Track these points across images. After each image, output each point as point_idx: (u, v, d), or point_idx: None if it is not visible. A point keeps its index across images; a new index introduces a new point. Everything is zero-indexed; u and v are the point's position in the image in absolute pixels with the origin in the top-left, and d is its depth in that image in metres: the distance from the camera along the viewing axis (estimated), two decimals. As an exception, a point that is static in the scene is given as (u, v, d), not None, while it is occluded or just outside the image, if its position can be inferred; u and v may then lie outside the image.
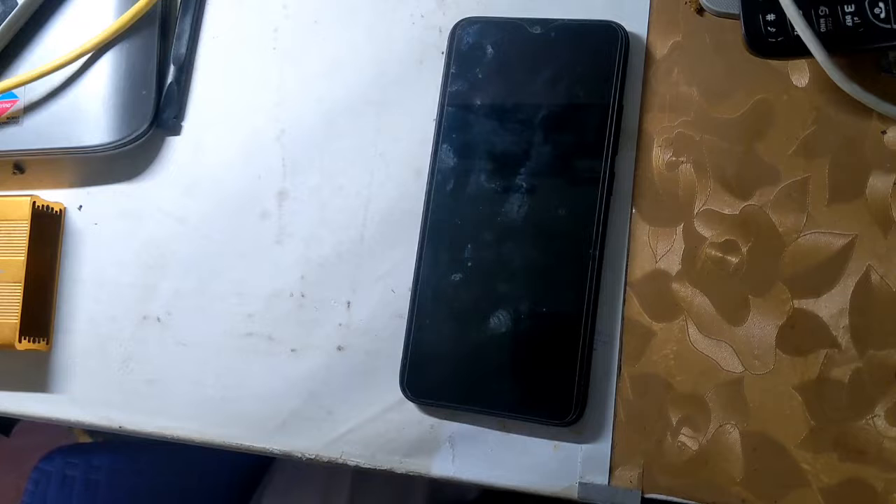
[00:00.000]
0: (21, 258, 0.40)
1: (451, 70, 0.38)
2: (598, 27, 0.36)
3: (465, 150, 0.37)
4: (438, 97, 0.38)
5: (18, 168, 0.44)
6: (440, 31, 0.39)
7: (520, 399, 0.35)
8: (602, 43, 0.36)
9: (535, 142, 0.36)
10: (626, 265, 0.35)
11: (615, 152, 0.35)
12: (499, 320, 0.35)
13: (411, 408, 0.37)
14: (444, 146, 0.37)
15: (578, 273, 0.35)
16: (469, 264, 0.36)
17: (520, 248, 0.35)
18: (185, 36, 0.42)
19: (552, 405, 0.34)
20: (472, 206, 0.36)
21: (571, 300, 0.35)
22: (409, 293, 0.37)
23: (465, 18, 0.38)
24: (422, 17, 0.40)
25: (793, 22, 0.30)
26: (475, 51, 0.37)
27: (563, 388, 0.34)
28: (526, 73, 0.36)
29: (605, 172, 0.35)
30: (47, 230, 0.42)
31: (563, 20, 0.37)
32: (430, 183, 0.37)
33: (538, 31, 0.37)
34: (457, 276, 0.36)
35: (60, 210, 0.43)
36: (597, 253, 0.35)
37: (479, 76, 0.37)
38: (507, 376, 0.35)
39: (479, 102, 0.37)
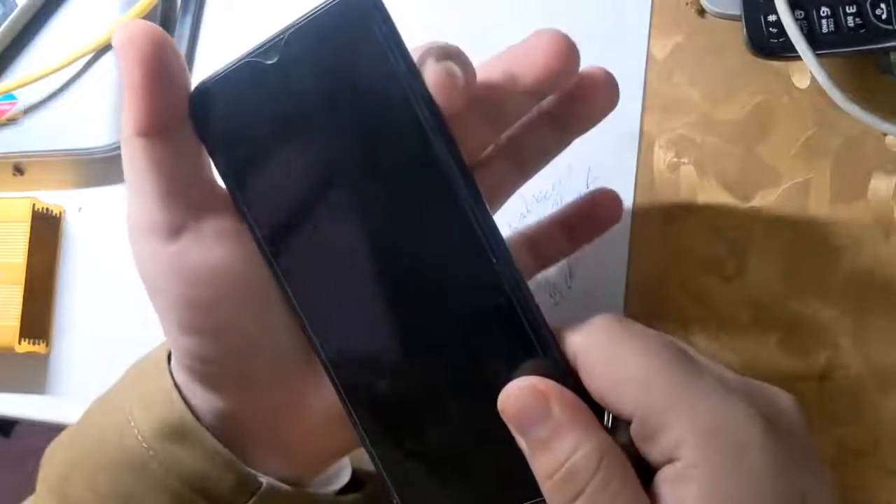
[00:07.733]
0: (21, 260, 0.40)
1: (212, 150, 0.28)
2: (335, 12, 0.26)
3: (283, 226, 0.27)
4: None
5: (18, 170, 0.44)
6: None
7: (529, 481, 0.25)
8: (354, 23, 0.26)
9: (356, 176, 0.26)
10: (627, 268, 0.35)
11: (450, 142, 0.25)
12: (460, 408, 0.27)
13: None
14: (265, 235, 0.27)
15: (508, 322, 0.25)
16: (385, 357, 0.27)
17: (429, 327, 0.26)
18: (185, 38, 0.42)
19: None
20: (343, 297, 0.27)
21: (520, 360, 0.26)
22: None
23: (195, 88, 0.27)
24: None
25: (792, 39, 0.30)
26: (225, 115, 0.27)
27: None
28: (298, 106, 0.27)
29: (455, 180, 0.25)
30: (47, 232, 0.42)
31: (292, 29, 0.26)
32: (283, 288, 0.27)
33: (276, 60, 0.26)
34: (381, 383, 0.27)
35: (60, 212, 0.43)
36: (514, 297, 0.25)
37: (253, 135, 0.27)
38: (508, 464, 0.26)
39: (267, 169, 0.27)
